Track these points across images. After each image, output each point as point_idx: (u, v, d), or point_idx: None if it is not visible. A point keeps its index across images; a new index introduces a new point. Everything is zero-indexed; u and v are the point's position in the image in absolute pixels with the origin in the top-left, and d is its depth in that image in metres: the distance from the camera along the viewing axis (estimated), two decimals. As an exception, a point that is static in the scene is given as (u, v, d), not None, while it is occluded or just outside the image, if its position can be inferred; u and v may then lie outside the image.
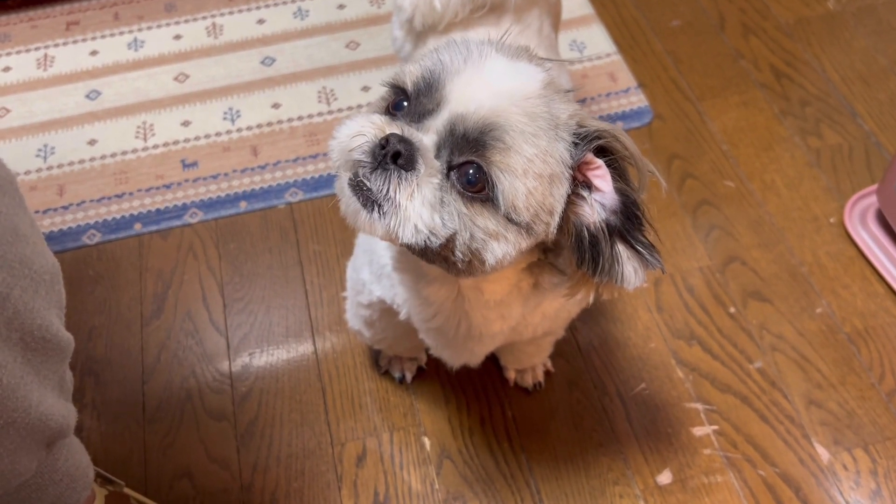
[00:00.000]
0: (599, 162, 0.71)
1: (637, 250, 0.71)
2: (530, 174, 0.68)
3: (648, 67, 1.64)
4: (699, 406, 1.19)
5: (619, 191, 0.71)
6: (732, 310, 1.29)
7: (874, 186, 1.37)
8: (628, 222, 0.71)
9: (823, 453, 1.15)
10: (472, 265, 0.71)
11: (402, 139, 0.68)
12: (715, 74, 1.63)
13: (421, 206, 0.68)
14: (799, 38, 1.69)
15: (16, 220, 0.74)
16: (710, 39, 1.69)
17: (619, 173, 0.72)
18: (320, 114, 1.56)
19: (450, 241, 0.69)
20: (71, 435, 0.92)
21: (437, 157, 0.70)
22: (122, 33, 1.71)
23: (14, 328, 0.72)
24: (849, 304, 1.29)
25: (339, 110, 1.56)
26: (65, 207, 1.44)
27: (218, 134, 1.53)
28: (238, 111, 1.57)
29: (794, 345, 1.25)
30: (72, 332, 1.31)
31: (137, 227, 1.41)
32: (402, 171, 0.68)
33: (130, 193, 1.45)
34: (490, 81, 0.70)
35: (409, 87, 0.73)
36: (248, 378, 1.24)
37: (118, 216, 1.42)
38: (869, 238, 1.34)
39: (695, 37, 1.69)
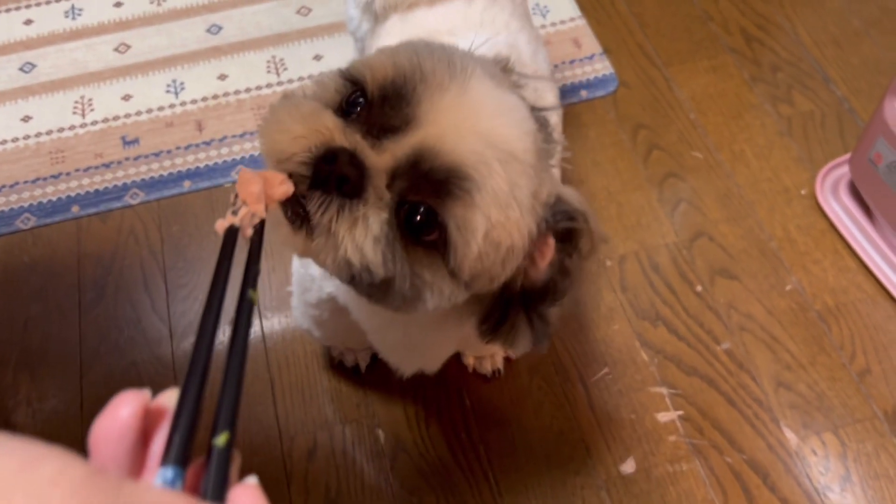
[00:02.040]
0: (552, 242, 0.64)
1: (533, 327, 0.66)
2: (489, 240, 0.58)
3: (614, 31, 1.57)
4: (664, 390, 1.15)
5: (551, 265, 0.65)
6: (699, 288, 1.24)
7: (846, 156, 1.32)
8: (543, 296, 0.66)
9: (792, 438, 1.11)
10: (402, 307, 0.62)
11: (353, 159, 0.56)
12: (683, 38, 1.56)
13: (362, 241, 0.56)
14: (770, -2, 1.62)
15: None
16: (679, 1, 1.62)
17: (568, 250, 0.65)
18: (269, 85, 1.48)
19: (383, 282, 0.59)
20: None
21: (389, 186, 0.58)
22: (58, 1, 1.61)
23: None
24: (820, 280, 1.25)
25: (290, 81, 1.48)
26: (-3, 189, 1.36)
27: (160, 108, 1.45)
28: (182, 83, 1.48)
29: (763, 324, 1.20)
30: (6, 322, 1.25)
31: (75, 209, 1.33)
32: (346, 199, 0.56)
33: (67, 174, 1.37)
34: (476, 114, 0.58)
35: (372, 88, 0.60)
36: (193, 370, 1.17)
37: (54, 198, 1.34)
38: (841, 210, 1.29)
39: (662, -1, 1.62)
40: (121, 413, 0.34)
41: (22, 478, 0.28)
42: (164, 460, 0.33)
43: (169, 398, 0.36)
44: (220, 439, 0.35)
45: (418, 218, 0.57)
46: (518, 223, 0.59)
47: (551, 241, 0.64)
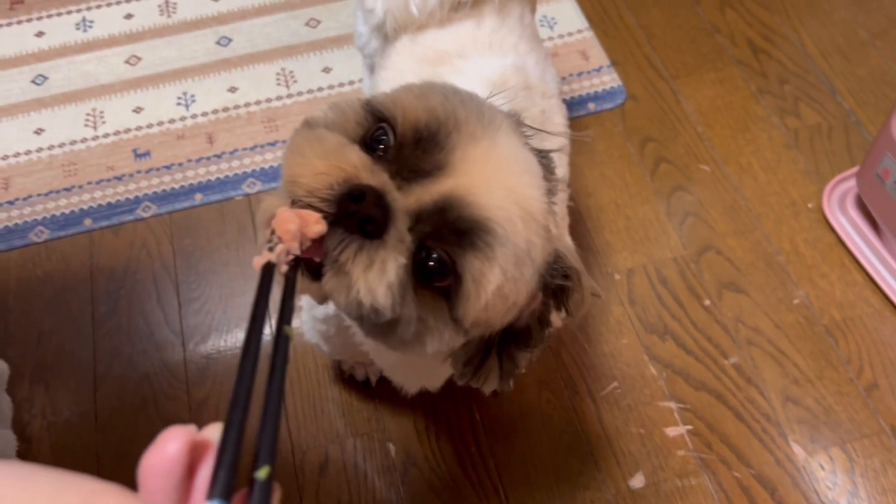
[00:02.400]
0: (539, 295, 0.65)
1: (502, 367, 0.68)
2: (499, 294, 0.58)
3: (621, 43, 1.57)
4: (673, 405, 1.16)
5: (532, 314, 0.66)
6: (707, 302, 1.25)
7: (854, 170, 1.32)
8: (517, 341, 0.67)
9: (800, 452, 1.12)
10: (401, 348, 0.63)
11: (380, 200, 0.55)
12: (690, 50, 1.57)
13: (375, 284, 0.55)
14: (777, 10, 1.63)
15: None
16: (685, 12, 1.63)
17: (555, 304, 0.66)
18: (279, 97, 1.49)
19: (388, 323, 0.58)
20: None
21: (411, 229, 0.57)
22: (69, 12, 1.62)
23: None
24: (827, 293, 1.25)
25: (299, 93, 1.49)
26: (10, 202, 1.37)
27: (171, 121, 1.46)
28: (193, 96, 1.49)
29: (771, 338, 1.21)
30: (21, 336, 1.26)
31: (88, 222, 1.34)
32: (366, 240, 0.55)
33: (80, 186, 1.38)
34: (504, 170, 0.58)
35: (404, 129, 0.59)
36: (205, 383, 1.18)
37: (67, 211, 1.35)
38: (848, 224, 1.30)
39: (669, 10, 1.63)
40: (168, 448, 0.35)
41: None
42: (210, 494, 0.35)
43: (213, 432, 0.37)
44: (262, 473, 0.37)
45: (432, 263, 0.57)
46: (528, 280, 0.60)
47: (539, 295, 0.65)
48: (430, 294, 0.58)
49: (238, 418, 0.38)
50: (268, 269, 0.50)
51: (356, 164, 0.56)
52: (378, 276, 0.55)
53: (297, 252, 0.52)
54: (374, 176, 0.56)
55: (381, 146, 0.60)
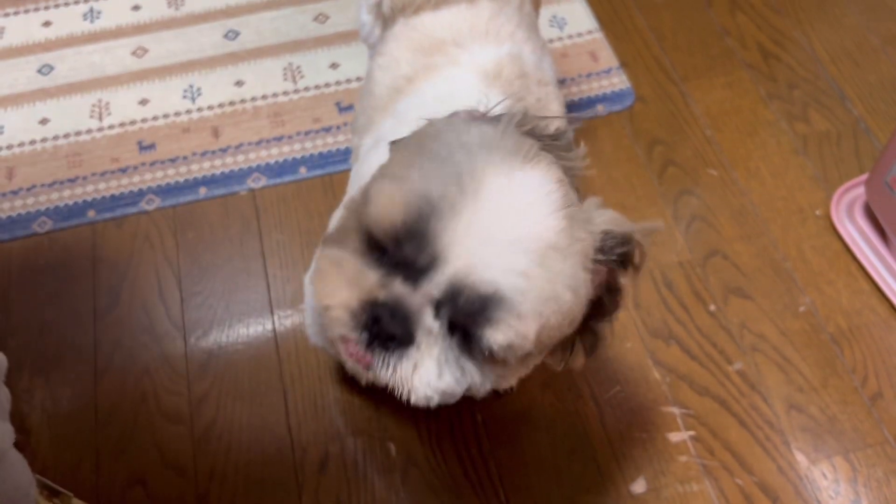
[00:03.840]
0: (603, 269, 0.66)
1: (586, 343, 0.70)
2: (544, 331, 0.61)
3: (631, 45, 1.56)
4: (676, 410, 1.15)
5: (600, 285, 0.67)
6: (713, 307, 1.24)
7: (862, 177, 1.32)
8: (593, 314, 0.69)
9: (803, 461, 1.11)
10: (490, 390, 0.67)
11: (396, 312, 0.60)
12: (700, 53, 1.56)
13: (427, 379, 0.61)
14: (788, 13, 1.62)
15: None
16: (696, 15, 1.62)
17: (619, 270, 0.68)
18: (286, 93, 1.48)
19: (469, 388, 0.64)
20: (8, 454, 0.86)
21: (437, 315, 0.61)
22: (76, 3, 1.61)
23: None
24: (833, 301, 1.25)
25: (306, 89, 1.48)
26: (14, 192, 1.36)
27: (177, 114, 1.45)
28: (199, 89, 1.49)
29: (776, 345, 1.20)
30: (22, 326, 1.25)
31: (91, 214, 1.34)
32: (401, 347, 0.61)
33: (84, 178, 1.38)
34: (498, 227, 0.58)
35: (385, 239, 0.61)
36: (206, 378, 1.18)
37: (70, 202, 1.35)
38: (856, 232, 1.29)
39: (680, 12, 1.62)
40: None
41: None
42: None
43: None
44: None
45: (472, 342, 0.61)
46: (570, 302, 0.61)
47: (602, 269, 0.66)
48: (488, 356, 0.61)
49: None
50: None
51: (371, 285, 0.61)
52: (425, 373, 0.61)
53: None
54: (387, 289, 0.61)
55: (384, 249, 0.62)
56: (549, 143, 0.68)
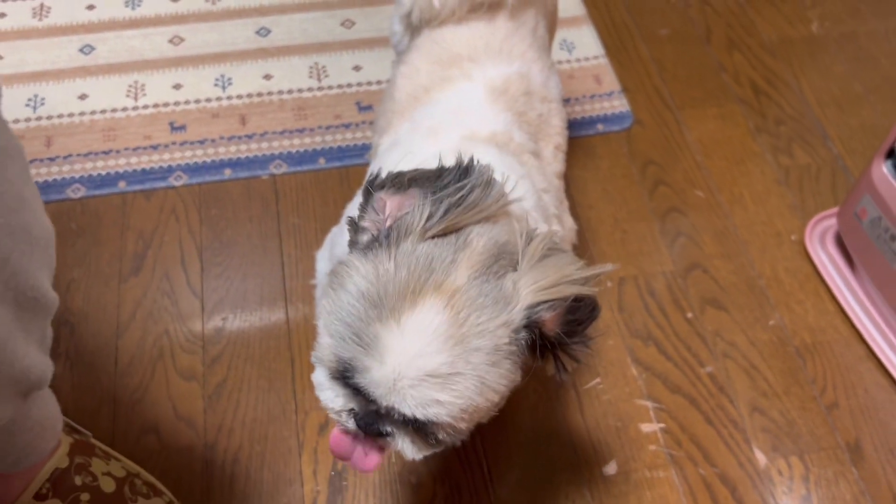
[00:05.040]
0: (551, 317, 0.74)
1: (564, 362, 0.79)
2: (476, 413, 0.75)
3: (634, 73, 1.68)
4: (649, 404, 1.25)
5: (558, 322, 0.75)
6: (690, 315, 1.35)
7: (835, 209, 1.43)
8: (559, 340, 0.76)
9: (761, 458, 1.21)
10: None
11: (364, 421, 0.77)
12: (697, 85, 1.68)
13: (408, 451, 0.78)
14: (781, 57, 1.74)
15: (22, 187, 0.78)
16: (696, 50, 1.74)
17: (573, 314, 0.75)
18: (310, 89, 1.59)
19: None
20: (46, 387, 0.95)
21: (395, 418, 0.75)
22: (120, -10, 1.72)
23: (10, 287, 0.76)
24: (801, 318, 1.36)
25: (329, 87, 1.59)
26: (51, 159, 1.46)
27: (208, 100, 1.56)
28: (230, 79, 1.59)
29: (745, 353, 1.31)
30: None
31: (122, 185, 1.44)
32: (384, 437, 0.78)
33: (117, 151, 1.48)
34: (404, 367, 0.70)
35: (335, 377, 0.76)
36: (220, 342, 1.28)
37: (103, 172, 1.45)
38: (826, 258, 1.40)
39: (681, 46, 1.74)
40: None
41: None
42: None
43: None
44: None
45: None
46: (496, 383, 0.74)
47: (547, 318, 0.74)
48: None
49: None
50: None
51: (345, 403, 0.78)
52: (406, 450, 0.78)
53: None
54: (357, 404, 0.77)
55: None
56: (457, 212, 0.74)
